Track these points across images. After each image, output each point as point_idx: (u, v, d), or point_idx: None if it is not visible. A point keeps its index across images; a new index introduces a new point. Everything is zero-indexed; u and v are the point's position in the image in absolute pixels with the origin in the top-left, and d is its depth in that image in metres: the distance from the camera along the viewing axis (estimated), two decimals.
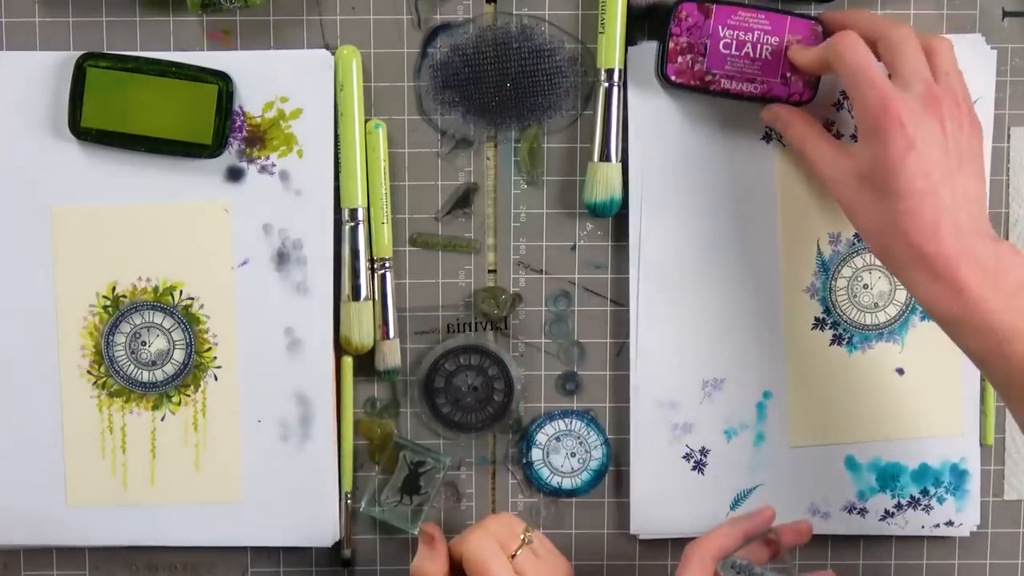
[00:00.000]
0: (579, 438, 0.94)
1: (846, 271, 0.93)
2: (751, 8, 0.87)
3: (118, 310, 0.92)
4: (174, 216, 0.91)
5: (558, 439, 0.94)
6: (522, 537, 0.84)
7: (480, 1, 0.91)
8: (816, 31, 0.87)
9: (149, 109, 0.89)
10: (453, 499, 0.95)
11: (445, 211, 0.93)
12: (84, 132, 0.89)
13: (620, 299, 0.93)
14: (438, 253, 0.93)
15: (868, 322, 0.93)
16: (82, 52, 0.89)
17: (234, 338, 0.92)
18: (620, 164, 0.91)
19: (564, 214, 0.93)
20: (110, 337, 0.92)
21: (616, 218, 0.92)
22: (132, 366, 0.92)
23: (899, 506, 0.94)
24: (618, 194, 0.91)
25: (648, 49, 0.90)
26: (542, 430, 0.94)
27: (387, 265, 0.91)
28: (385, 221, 0.91)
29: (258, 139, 0.91)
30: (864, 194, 0.80)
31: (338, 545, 0.94)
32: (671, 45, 0.88)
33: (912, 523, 0.94)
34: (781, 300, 0.93)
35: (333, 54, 0.90)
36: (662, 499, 0.94)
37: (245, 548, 0.94)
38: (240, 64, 0.90)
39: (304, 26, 0.91)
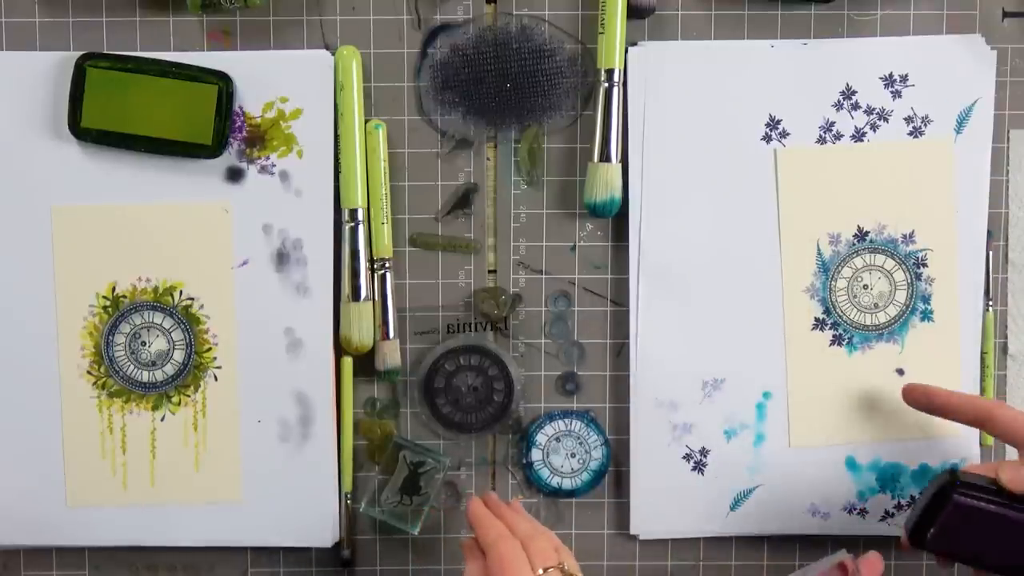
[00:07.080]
0: (579, 438, 0.94)
1: (846, 271, 0.93)
2: None
3: (118, 310, 0.92)
4: (174, 216, 0.91)
5: (558, 439, 0.94)
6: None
7: (480, 1, 0.91)
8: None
9: (149, 109, 0.89)
10: (453, 499, 0.95)
11: (445, 211, 0.93)
12: (84, 132, 0.89)
13: (620, 299, 0.93)
14: (438, 253, 0.93)
15: (868, 322, 0.93)
16: (82, 52, 0.89)
17: (234, 338, 0.92)
18: (620, 164, 0.91)
19: (564, 214, 0.93)
20: (110, 337, 0.92)
21: (616, 218, 0.92)
22: (132, 366, 0.92)
23: (899, 506, 0.94)
24: (618, 194, 0.91)
25: (648, 49, 0.90)
26: (542, 430, 0.94)
27: (387, 265, 0.91)
28: (385, 221, 0.91)
29: (258, 139, 0.91)
30: None
31: (338, 545, 0.94)
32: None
33: None
34: (781, 300, 0.93)
35: (333, 54, 0.90)
36: (662, 499, 0.94)
37: (245, 548, 0.94)
38: (240, 64, 0.90)
39: (304, 26, 0.91)
